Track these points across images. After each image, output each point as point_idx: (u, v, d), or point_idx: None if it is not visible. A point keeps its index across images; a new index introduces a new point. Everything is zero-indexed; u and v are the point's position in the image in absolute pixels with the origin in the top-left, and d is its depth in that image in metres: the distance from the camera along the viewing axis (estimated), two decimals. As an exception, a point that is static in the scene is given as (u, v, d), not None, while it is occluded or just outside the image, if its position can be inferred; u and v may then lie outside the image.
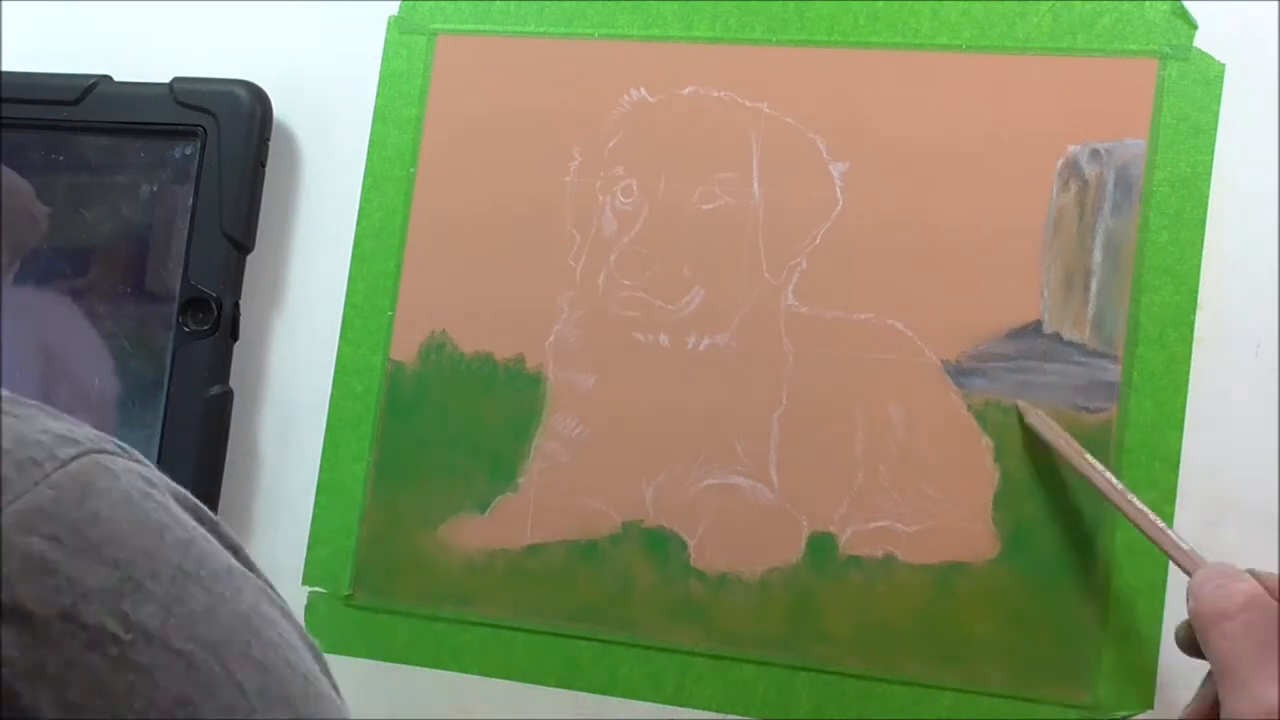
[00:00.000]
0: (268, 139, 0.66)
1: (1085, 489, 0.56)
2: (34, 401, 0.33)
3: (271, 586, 0.36)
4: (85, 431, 0.33)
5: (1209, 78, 0.58)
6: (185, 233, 0.66)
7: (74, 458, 0.32)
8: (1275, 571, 0.48)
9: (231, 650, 0.32)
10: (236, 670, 0.32)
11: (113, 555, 0.31)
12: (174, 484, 0.35)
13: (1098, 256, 0.58)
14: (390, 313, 0.65)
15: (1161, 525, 0.52)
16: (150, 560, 0.32)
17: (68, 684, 0.29)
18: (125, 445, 0.34)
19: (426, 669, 0.63)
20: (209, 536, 0.35)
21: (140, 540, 0.32)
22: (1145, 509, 0.52)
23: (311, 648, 0.37)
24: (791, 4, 0.63)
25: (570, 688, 0.61)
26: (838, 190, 0.61)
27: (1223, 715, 0.47)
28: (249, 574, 0.35)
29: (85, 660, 0.30)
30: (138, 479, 0.33)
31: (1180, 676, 0.55)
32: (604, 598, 0.61)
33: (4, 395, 0.32)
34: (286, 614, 0.36)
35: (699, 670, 0.60)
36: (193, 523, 0.34)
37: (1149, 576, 0.55)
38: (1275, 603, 0.48)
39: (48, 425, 0.32)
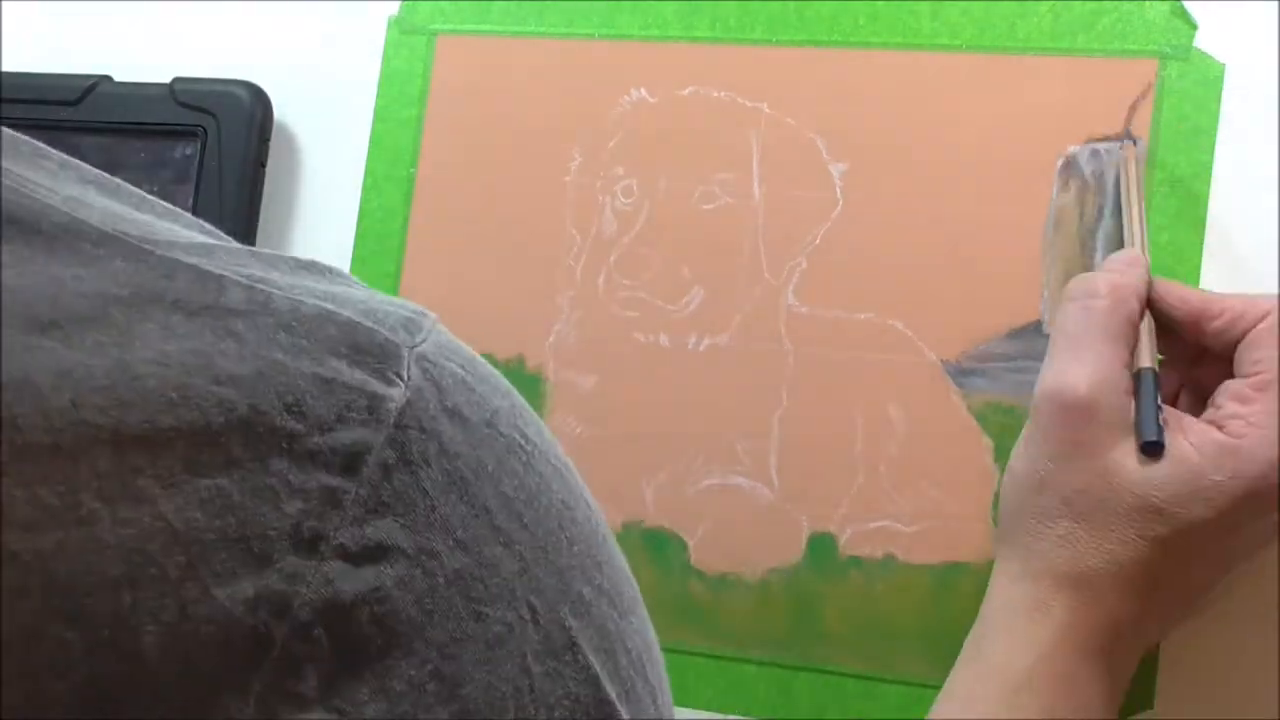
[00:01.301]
0: (268, 139, 0.66)
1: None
2: None
3: None
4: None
5: (1209, 78, 0.58)
6: (185, 233, 0.66)
7: (432, 316, 0.36)
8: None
9: (573, 471, 0.37)
10: (582, 488, 0.37)
11: (497, 386, 0.35)
12: None
13: (1098, 256, 0.58)
14: (390, 313, 0.65)
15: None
16: (515, 394, 0.36)
17: (500, 478, 0.33)
18: None
19: (426, 669, 0.62)
20: None
21: (501, 380, 0.36)
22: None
23: None
24: (791, 4, 0.63)
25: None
26: (838, 190, 0.61)
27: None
28: None
29: (508, 462, 0.34)
30: None
31: (1181, 676, 0.55)
32: (604, 598, 0.61)
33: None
34: None
35: (699, 670, 0.60)
36: None
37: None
38: (1134, 303, 0.51)
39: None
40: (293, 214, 0.68)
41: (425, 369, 0.33)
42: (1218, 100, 0.57)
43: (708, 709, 0.60)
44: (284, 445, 0.30)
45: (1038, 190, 0.59)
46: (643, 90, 0.64)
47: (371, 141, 0.67)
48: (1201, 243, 0.57)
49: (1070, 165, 0.59)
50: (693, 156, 0.63)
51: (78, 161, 0.35)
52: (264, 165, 0.66)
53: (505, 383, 0.37)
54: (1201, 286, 0.57)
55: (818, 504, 0.60)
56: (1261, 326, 0.50)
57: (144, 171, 0.67)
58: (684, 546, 0.61)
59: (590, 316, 0.63)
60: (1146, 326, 0.51)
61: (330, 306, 0.32)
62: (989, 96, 0.60)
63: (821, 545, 0.59)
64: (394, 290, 0.65)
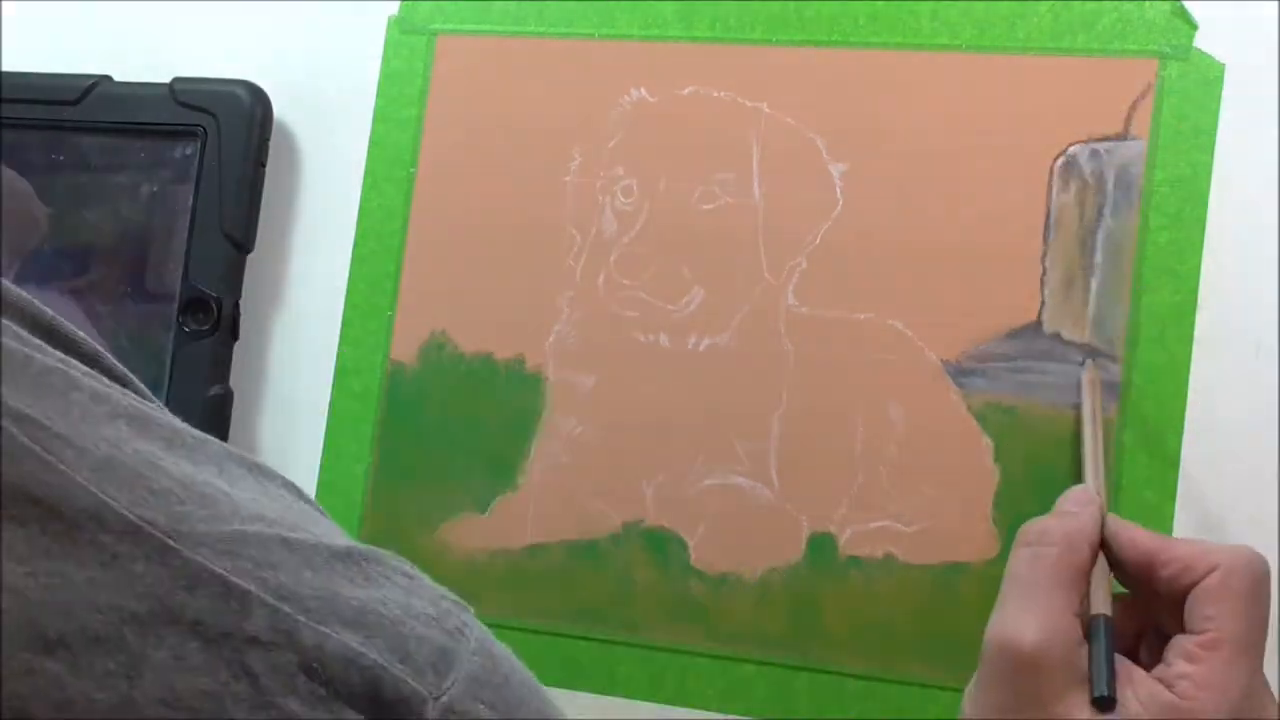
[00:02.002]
0: (268, 139, 0.66)
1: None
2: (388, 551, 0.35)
3: None
4: (443, 588, 0.36)
5: (1209, 78, 0.58)
6: (185, 233, 0.66)
7: (473, 622, 0.34)
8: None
9: None
10: None
11: (526, 700, 0.34)
12: None
13: (1098, 256, 0.58)
14: (390, 313, 0.65)
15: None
16: (541, 716, 0.35)
17: None
18: None
19: (426, 669, 0.62)
20: None
21: (532, 699, 0.34)
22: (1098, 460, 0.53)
23: None
24: (791, 4, 0.63)
25: (570, 688, 0.61)
26: (838, 190, 0.61)
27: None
28: None
29: None
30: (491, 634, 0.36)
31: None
32: (604, 598, 0.61)
33: (389, 556, 0.34)
34: None
35: (699, 670, 0.60)
36: None
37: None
38: (1086, 550, 0.49)
39: (432, 584, 0.35)
40: (293, 214, 0.68)
41: None
42: (1218, 100, 0.57)
43: (708, 709, 0.60)
44: None
45: (1037, 190, 0.59)
46: (643, 90, 0.64)
47: (371, 141, 0.67)
48: (1201, 243, 0.57)
49: (1070, 165, 0.59)
50: (693, 156, 0.63)
51: (109, 389, 0.31)
52: (264, 165, 0.66)
53: (535, 701, 0.35)
54: (1201, 287, 0.57)
55: (818, 504, 0.60)
56: (1209, 581, 0.48)
57: (144, 171, 0.67)
58: (684, 546, 0.61)
59: (590, 316, 0.63)
60: (1100, 570, 0.50)
61: (356, 644, 0.30)
62: (989, 96, 0.60)
63: (821, 545, 0.59)
64: (394, 290, 0.65)
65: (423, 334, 0.65)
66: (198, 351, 0.65)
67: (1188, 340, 0.57)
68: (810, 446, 0.60)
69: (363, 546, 0.34)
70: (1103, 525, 0.51)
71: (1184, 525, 0.56)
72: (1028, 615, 0.48)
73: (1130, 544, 0.50)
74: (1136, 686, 0.47)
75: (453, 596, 0.35)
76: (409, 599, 0.33)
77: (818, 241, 0.61)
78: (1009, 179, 0.59)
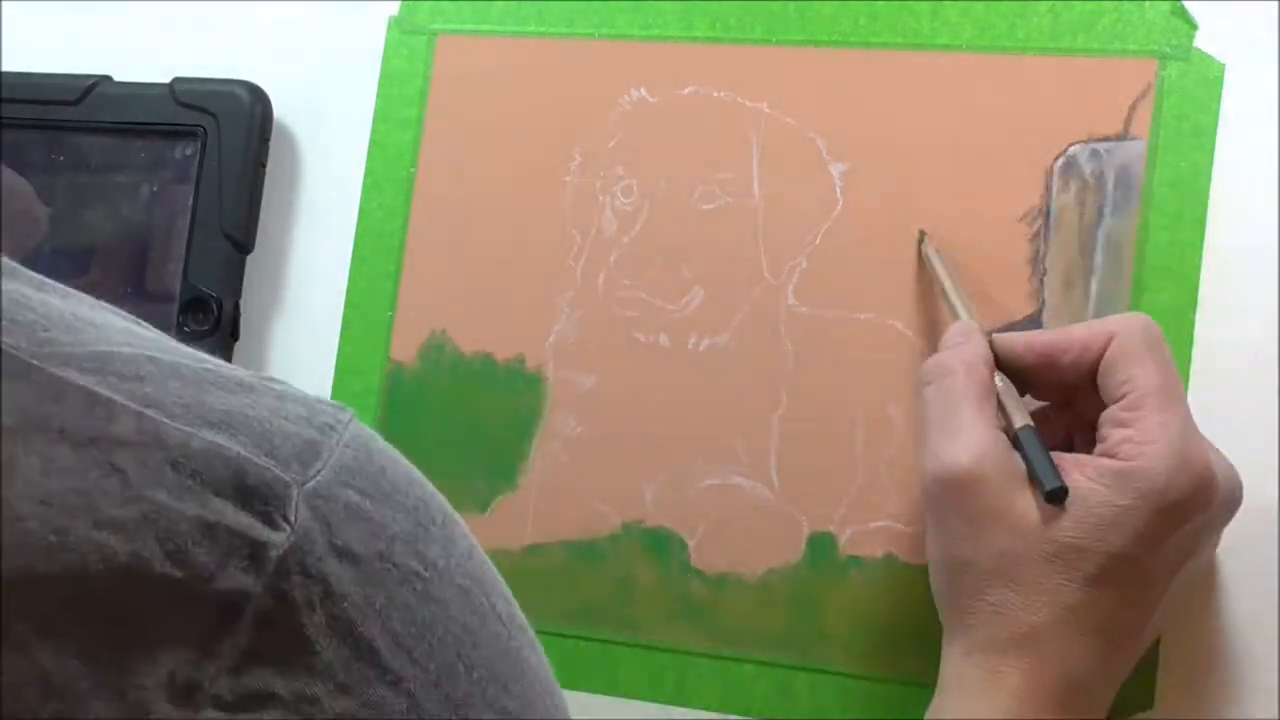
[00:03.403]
0: (268, 139, 0.66)
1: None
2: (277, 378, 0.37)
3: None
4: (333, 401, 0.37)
5: (1209, 78, 0.58)
6: (185, 233, 0.66)
7: (349, 421, 0.35)
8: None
9: (487, 585, 0.36)
10: (495, 602, 0.36)
11: (402, 502, 0.35)
12: None
13: (1098, 256, 0.58)
14: (390, 313, 0.65)
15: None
16: (427, 506, 0.36)
17: (390, 615, 0.33)
18: None
19: (426, 669, 0.62)
20: None
21: (415, 491, 0.36)
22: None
23: None
24: (791, 4, 0.63)
25: (570, 688, 0.61)
26: (838, 190, 0.61)
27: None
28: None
29: (399, 594, 0.33)
30: (382, 439, 0.37)
31: (1180, 677, 0.55)
32: (604, 598, 0.61)
33: (257, 373, 0.36)
34: None
35: (699, 670, 0.60)
36: None
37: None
38: (984, 368, 0.51)
39: (313, 395, 0.36)
40: (293, 214, 0.68)
41: (315, 507, 0.32)
42: (1218, 100, 0.57)
43: (708, 709, 0.60)
44: (163, 593, 0.29)
45: (1037, 190, 0.59)
46: (643, 90, 0.64)
47: (371, 141, 0.67)
48: (1201, 243, 0.57)
49: (1070, 165, 0.59)
50: (693, 156, 0.63)
51: None
52: (264, 165, 0.66)
53: (419, 491, 0.36)
54: (1201, 287, 0.57)
55: (818, 504, 0.60)
56: (1112, 349, 0.50)
57: (144, 171, 0.67)
58: (684, 546, 0.61)
59: (590, 316, 0.63)
60: (1005, 388, 0.52)
61: (221, 440, 0.32)
62: (989, 96, 0.60)
63: (821, 545, 0.59)
64: (394, 290, 0.65)
65: (423, 334, 0.65)
66: (198, 351, 0.65)
67: (1188, 340, 0.57)
68: (810, 446, 0.60)
69: (243, 372, 0.36)
70: (993, 349, 0.53)
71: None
72: (953, 440, 0.50)
73: (1026, 348, 0.52)
74: (1083, 467, 0.48)
75: (334, 403, 0.37)
76: (281, 403, 0.34)
77: (818, 241, 0.61)
78: (1009, 179, 0.59)
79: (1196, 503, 0.48)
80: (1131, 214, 0.58)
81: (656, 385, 0.62)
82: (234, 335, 0.65)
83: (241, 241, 0.65)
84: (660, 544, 0.61)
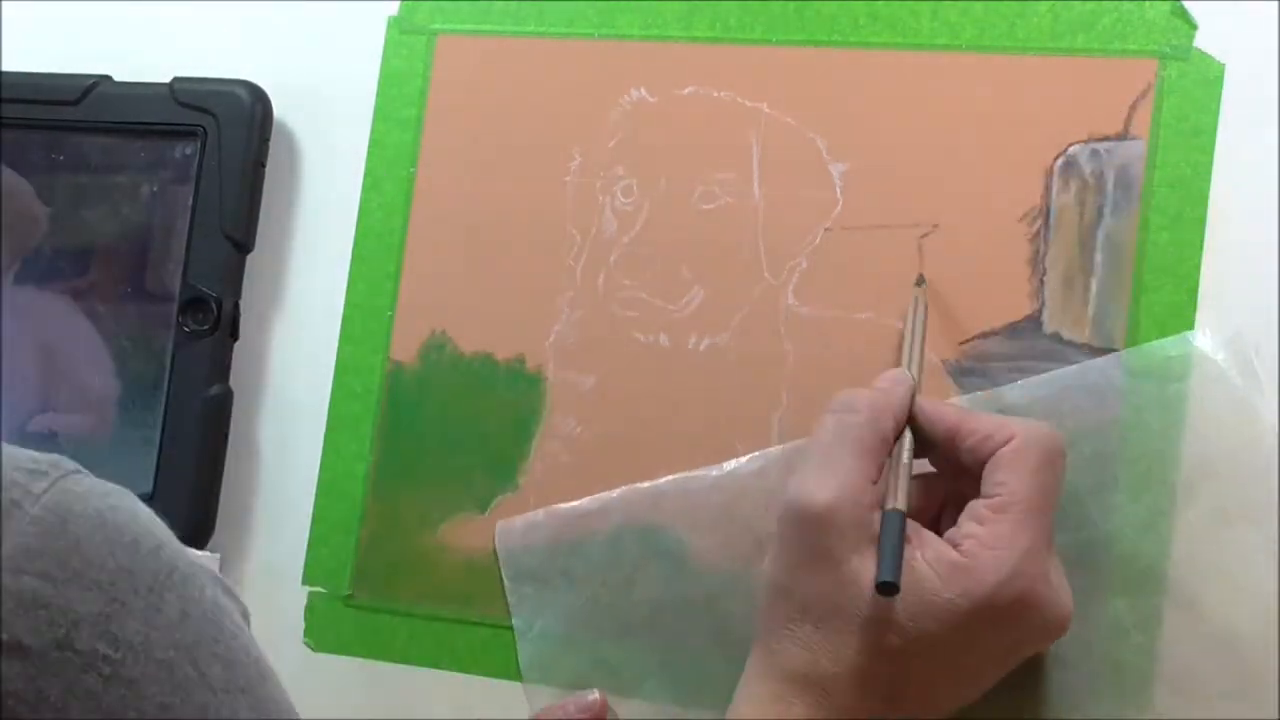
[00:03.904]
0: (268, 139, 0.66)
1: (1078, 477, 0.56)
2: None
3: (200, 565, 0.38)
4: (48, 457, 0.35)
5: (1209, 78, 0.58)
6: (185, 233, 0.66)
7: (47, 490, 0.33)
8: None
9: (201, 651, 0.35)
10: (207, 670, 0.34)
11: (95, 579, 0.33)
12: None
13: (1098, 256, 0.58)
14: (390, 313, 0.65)
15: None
16: (130, 577, 0.34)
17: (67, 706, 0.32)
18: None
19: (426, 669, 0.62)
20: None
21: (118, 559, 0.34)
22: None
23: (244, 613, 0.39)
24: (791, 4, 0.63)
25: (571, 688, 0.61)
26: (838, 190, 0.61)
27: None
28: (196, 562, 0.37)
29: (81, 682, 0.32)
30: (101, 494, 0.35)
31: (1180, 677, 0.55)
32: (604, 598, 0.61)
33: None
34: (227, 590, 0.38)
35: (700, 669, 0.60)
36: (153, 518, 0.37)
37: (1139, 565, 0.55)
38: (889, 421, 0.52)
39: (18, 460, 0.34)
40: (293, 214, 0.68)
41: None
42: (1218, 100, 0.57)
43: (709, 709, 0.59)
44: None
45: (1037, 190, 0.59)
46: (643, 90, 0.64)
47: (371, 141, 0.67)
48: (1201, 243, 0.57)
49: (1070, 165, 0.59)
50: (693, 156, 0.63)
51: None
52: (264, 165, 0.66)
53: (122, 559, 0.34)
54: (1201, 288, 0.57)
55: (818, 504, 0.59)
56: (1004, 450, 0.50)
57: (144, 171, 0.67)
58: (677, 539, 0.61)
59: (590, 316, 0.63)
60: (904, 463, 0.51)
61: None
62: (989, 96, 0.60)
63: (821, 545, 0.59)
64: (394, 290, 0.65)
65: (423, 334, 0.65)
66: (198, 351, 0.65)
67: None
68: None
69: None
70: (913, 406, 0.53)
71: (1186, 524, 0.56)
72: (823, 477, 0.50)
73: (937, 417, 0.53)
74: (925, 548, 0.49)
75: (40, 463, 0.35)
76: None
77: (818, 241, 0.61)
78: (1009, 179, 0.59)
79: (1012, 617, 0.48)
80: (1131, 214, 0.58)
81: (656, 385, 0.62)
82: (234, 335, 0.65)
83: (241, 241, 0.65)
84: (660, 544, 0.61)
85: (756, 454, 0.60)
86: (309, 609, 0.64)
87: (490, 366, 0.64)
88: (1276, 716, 0.52)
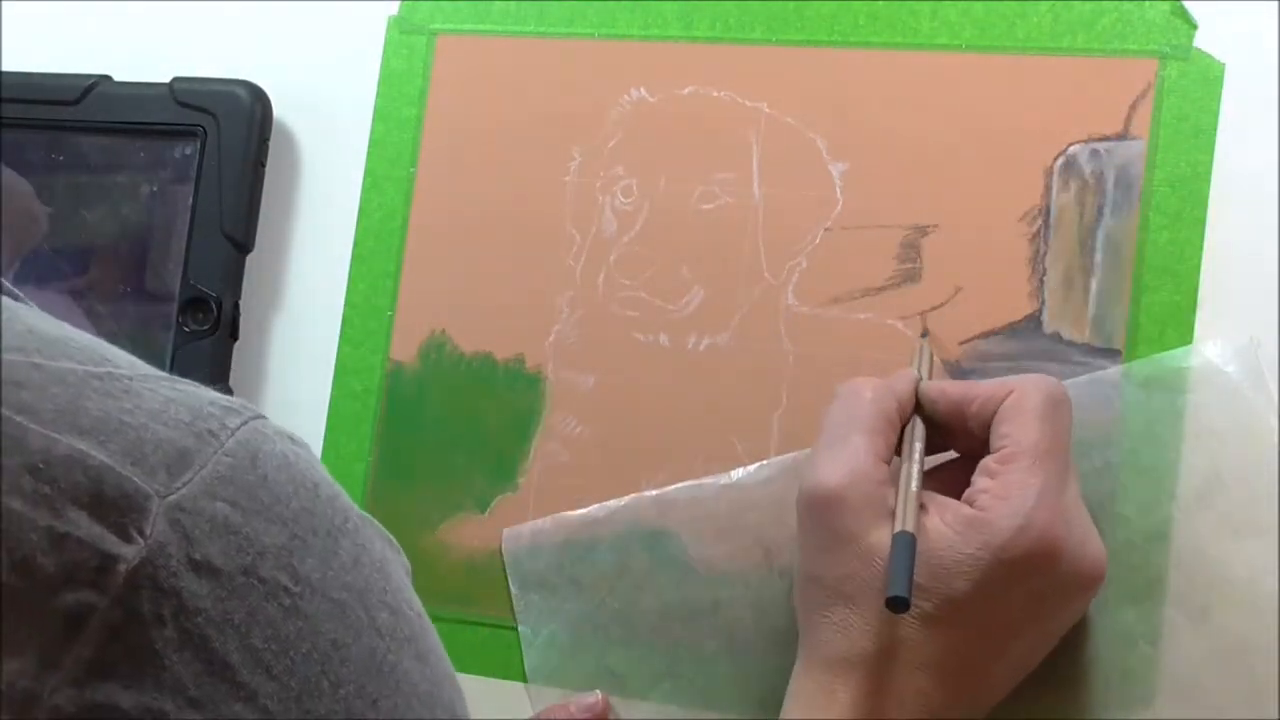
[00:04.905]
0: (268, 139, 0.66)
1: (1086, 488, 0.56)
2: (188, 380, 0.37)
3: (369, 518, 0.40)
4: (239, 400, 0.37)
5: (1209, 78, 0.58)
6: (185, 233, 0.66)
7: (240, 426, 0.35)
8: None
9: (371, 597, 0.36)
10: (375, 615, 0.36)
11: (281, 515, 0.34)
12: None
13: (1098, 256, 0.58)
14: (390, 313, 0.65)
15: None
16: (310, 517, 0.35)
17: (250, 631, 0.33)
18: None
19: (426, 669, 0.62)
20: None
21: (301, 500, 0.35)
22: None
23: (406, 570, 0.41)
24: (791, 4, 0.63)
25: (570, 686, 0.61)
26: (838, 190, 0.61)
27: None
28: (369, 518, 0.39)
29: (263, 610, 0.33)
30: (287, 440, 0.37)
31: (1187, 687, 0.55)
32: (603, 597, 0.61)
33: (164, 375, 0.36)
34: (393, 545, 0.40)
35: (700, 670, 0.60)
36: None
37: (1147, 574, 0.55)
38: (892, 401, 0.52)
39: (211, 396, 0.36)
40: (293, 214, 0.68)
41: (176, 520, 0.32)
42: (1218, 100, 0.57)
43: (709, 708, 0.59)
44: (4, 602, 0.30)
45: (1037, 190, 0.59)
46: (643, 90, 0.64)
47: (371, 141, 0.67)
48: (1201, 243, 0.57)
49: (1070, 165, 0.59)
50: (693, 156, 0.63)
51: None
52: (264, 165, 0.66)
53: (304, 500, 0.36)
54: (1201, 287, 0.57)
55: (818, 504, 0.59)
56: (1005, 404, 0.51)
57: (144, 171, 0.67)
58: (684, 546, 0.61)
59: (590, 316, 0.63)
60: (913, 490, 0.51)
61: (86, 448, 0.32)
62: (989, 96, 0.60)
63: (821, 545, 0.59)
64: (394, 290, 0.65)
65: (423, 334, 0.65)
66: (197, 351, 0.65)
67: (1188, 340, 0.57)
68: (810, 446, 0.60)
69: (141, 374, 0.35)
70: (915, 392, 0.54)
71: (1184, 524, 0.56)
72: (833, 459, 0.51)
73: (940, 395, 0.53)
74: (944, 512, 0.50)
75: (233, 403, 0.36)
76: (165, 407, 0.34)
77: (818, 241, 0.61)
78: (1008, 178, 0.59)
79: (1034, 565, 0.48)
80: (1131, 214, 0.58)
81: (656, 385, 0.62)
82: (234, 335, 0.65)
83: (241, 241, 0.65)
84: (660, 544, 0.61)
85: (764, 462, 0.60)
86: (309, 609, 0.64)
87: (490, 366, 0.64)
88: (1277, 717, 0.52)
